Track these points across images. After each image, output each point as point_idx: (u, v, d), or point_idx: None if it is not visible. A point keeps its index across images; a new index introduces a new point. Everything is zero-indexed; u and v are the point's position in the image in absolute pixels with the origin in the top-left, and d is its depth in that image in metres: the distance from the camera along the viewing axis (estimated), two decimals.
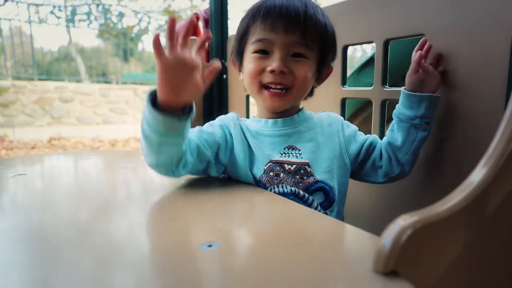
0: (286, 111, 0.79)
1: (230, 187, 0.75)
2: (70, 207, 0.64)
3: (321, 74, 0.80)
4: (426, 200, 0.82)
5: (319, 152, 0.77)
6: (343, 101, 1.06)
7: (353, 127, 0.84)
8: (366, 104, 2.45)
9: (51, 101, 5.82)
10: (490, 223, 0.44)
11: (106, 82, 7.49)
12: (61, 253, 0.43)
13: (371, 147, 0.82)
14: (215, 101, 1.58)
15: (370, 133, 0.97)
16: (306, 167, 0.75)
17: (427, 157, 0.85)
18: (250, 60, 0.75)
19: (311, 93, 0.83)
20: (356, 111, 2.55)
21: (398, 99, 0.93)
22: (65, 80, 6.93)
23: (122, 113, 6.44)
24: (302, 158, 0.76)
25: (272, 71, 0.72)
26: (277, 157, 0.76)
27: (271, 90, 0.74)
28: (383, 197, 0.97)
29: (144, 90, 6.74)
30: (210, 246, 0.43)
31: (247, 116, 1.45)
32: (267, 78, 0.73)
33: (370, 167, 0.82)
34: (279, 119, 0.79)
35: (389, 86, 0.94)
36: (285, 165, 0.75)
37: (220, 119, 0.82)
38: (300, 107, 0.84)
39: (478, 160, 0.43)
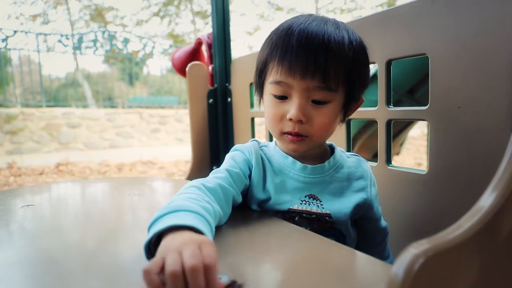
0: (312, 150, 0.75)
1: (243, 214, 0.74)
2: (77, 238, 0.64)
3: (350, 108, 0.73)
4: (436, 223, 0.81)
5: (342, 205, 0.72)
6: (348, 121, 1.06)
7: (375, 188, 0.79)
8: (371, 122, 2.45)
9: (59, 127, 5.90)
10: (505, 246, 0.43)
11: (112, 107, 7.58)
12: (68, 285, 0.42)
13: (381, 228, 0.82)
14: (220, 125, 1.59)
15: (377, 152, 0.97)
16: (327, 218, 0.71)
17: (435, 183, 0.84)
18: (269, 103, 0.71)
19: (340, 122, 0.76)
20: (362, 128, 2.55)
21: (403, 119, 0.93)
22: (72, 106, 7.03)
23: (128, 137, 6.50)
24: (323, 208, 0.71)
25: (290, 119, 0.67)
26: (296, 204, 0.71)
27: (291, 135, 0.69)
28: (395, 222, 0.95)
29: (150, 114, 6.81)
30: (219, 278, 0.43)
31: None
32: (287, 127, 0.68)
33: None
34: (309, 166, 0.73)
35: (393, 102, 0.94)
36: (303, 215, 0.71)
37: (242, 150, 0.77)
38: (331, 147, 0.79)
39: (485, 182, 0.42)
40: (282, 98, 0.69)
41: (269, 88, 0.70)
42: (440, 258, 0.36)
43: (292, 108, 0.66)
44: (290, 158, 0.74)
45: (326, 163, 0.75)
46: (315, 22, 0.67)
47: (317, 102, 0.67)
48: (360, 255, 0.51)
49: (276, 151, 0.77)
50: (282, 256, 0.53)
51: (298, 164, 0.74)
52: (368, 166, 0.80)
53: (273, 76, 0.68)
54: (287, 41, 0.66)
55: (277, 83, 0.68)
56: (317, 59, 0.63)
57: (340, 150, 0.80)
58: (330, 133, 0.72)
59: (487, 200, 0.40)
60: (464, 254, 0.38)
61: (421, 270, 0.35)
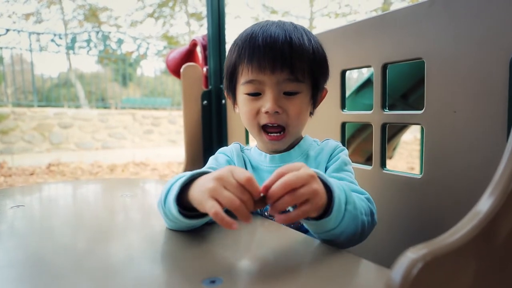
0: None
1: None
2: (68, 239, 0.63)
3: (317, 99, 0.79)
4: (430, 227, 0.81)
5: None
6: (343, 125, 1.06)
7: (340, 160, 0.75)
8: (364, 125, 2.46)
9: (51, 127, 5.84)
10: (502, 250, 0.43)
11: (105, 107, 7.54)
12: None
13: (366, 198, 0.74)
14: (214, 126, 1.58)
15: (372, 155, 0.97)
16: None
17: (430, 187, 0.84)
18: (243, 102, 0.75)
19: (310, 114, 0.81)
20: (355, 132, 2.56)
21: (398, 122, 0.93)
22: (64, 106, 6.97)
23: (121, 138, 6.45)
24: None
25: (266, 112, 0.71)
26: None
27: (269, 134, 0.74)
28: (389, 226, 0.95)
29: (143, 115, 6.77)
30: (213, 282, 0.42)
31: (247, 141, 1.45)
32: (264, 119, 0.73)
33: None
34: (277, 155, 0.78)
35: (388, 107, 0.94)
36: None
37: (225, 151, 0.81)
38: (302, 136, 0.82)
39: (481, 186, 0.42)
40: (256, 95, 0.73)
41: (242, 89, 0.75)
42: (438, 262, 0.36)
43: (267, 102, 0.71)
44: (263, 154, 0.80)
45: (292, 150, 0.79)
46: (274, 25, 0.74)
47: (288, 94, 0.72)
48: (355, 258, 0.51)
49: (254, 150, 0.82)
50: (271, 258, 0.52)
51: (268, 156, 0.79)
52: (336, 142, 0.80)
53: (244, 76, 0.73)
54: (253, 43, 0.71)
55: (250, 82, 0.72)
56: (283, 54, 0.69)
57: (312, 140, 0.83)
58: (304, 123, 0.78)
59: (484, 204, 0.40)
60: (462, 258, 0.38)
61: (419, 275, 0.34)
